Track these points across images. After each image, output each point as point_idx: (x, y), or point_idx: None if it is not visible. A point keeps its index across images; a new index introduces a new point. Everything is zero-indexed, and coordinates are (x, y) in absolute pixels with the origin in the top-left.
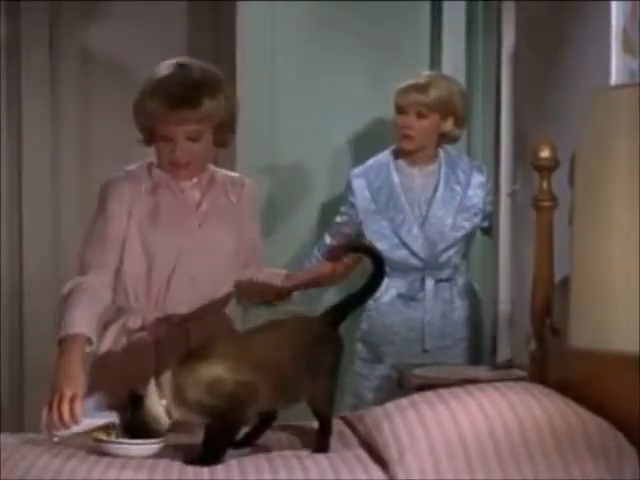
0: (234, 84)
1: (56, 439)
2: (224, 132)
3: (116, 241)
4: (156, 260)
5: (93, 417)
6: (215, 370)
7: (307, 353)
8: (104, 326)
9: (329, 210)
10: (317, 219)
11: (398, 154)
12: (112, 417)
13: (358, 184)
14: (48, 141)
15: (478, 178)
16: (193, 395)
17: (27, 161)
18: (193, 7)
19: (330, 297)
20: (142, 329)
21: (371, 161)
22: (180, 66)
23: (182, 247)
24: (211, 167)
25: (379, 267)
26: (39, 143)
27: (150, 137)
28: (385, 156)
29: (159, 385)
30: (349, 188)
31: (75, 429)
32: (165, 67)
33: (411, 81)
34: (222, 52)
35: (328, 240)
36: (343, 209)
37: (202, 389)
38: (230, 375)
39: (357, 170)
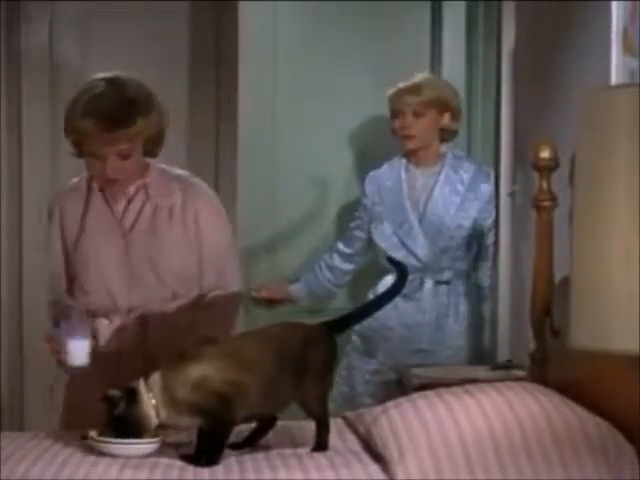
0: (236, 84)
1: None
2: (154, 144)
3: (61, 265)
4: (91, 267)
5: (75, 339)
6: (202, 369)
7: (295, 355)
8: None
9: (344, 216)
10: (333, 225)
11: (406, 157)
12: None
13: (370, 188)
14: (48, 141)
15: (484, 186)
16: (182, 395)
17: (27, 160)
18: (195, 7)
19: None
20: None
21: (385, 165)
22: (111, 83)
23: (109, 255)
24: (154, 167)
25: (399, 284)
26: (39, 143)
27: (80, 151)
28: (398, 160)
29: (148, 385)
30: (363, 192)
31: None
32: (96, 84)
33: (401, 84)
34: (224, 52)
35: (340, 246)
36: (357, 214)
37: (190, 388)
38: (217, 374)
39: (371, 174)
